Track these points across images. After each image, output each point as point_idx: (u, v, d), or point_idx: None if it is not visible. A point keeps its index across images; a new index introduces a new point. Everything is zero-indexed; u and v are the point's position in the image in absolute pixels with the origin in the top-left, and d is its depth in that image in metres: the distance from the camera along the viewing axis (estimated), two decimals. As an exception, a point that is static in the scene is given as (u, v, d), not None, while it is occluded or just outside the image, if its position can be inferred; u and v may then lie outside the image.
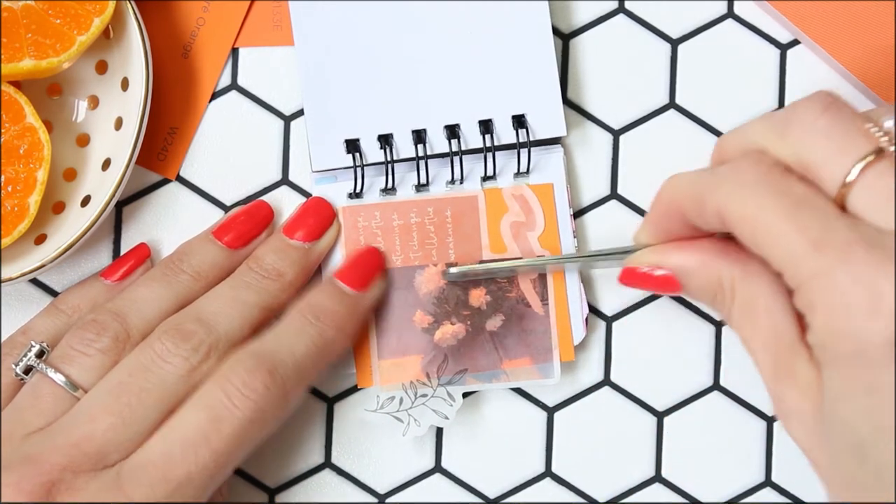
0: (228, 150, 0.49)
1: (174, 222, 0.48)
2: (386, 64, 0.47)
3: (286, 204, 0.48)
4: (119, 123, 0.47)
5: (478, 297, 0.47)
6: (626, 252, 0.43)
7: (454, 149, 0.47)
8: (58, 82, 0.48)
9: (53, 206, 0.47)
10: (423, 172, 0.47)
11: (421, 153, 0.47)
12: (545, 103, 0.47)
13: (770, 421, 0.50)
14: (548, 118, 0.47)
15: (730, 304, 0.40)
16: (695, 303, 0.49)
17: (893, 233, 0.34)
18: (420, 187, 0.47)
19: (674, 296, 0.49)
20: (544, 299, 0.47)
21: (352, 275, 0.46)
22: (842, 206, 0.35)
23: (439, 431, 0.49)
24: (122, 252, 0.48)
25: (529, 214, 0.48)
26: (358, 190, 0.47)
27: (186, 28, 0.48)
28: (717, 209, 0.37)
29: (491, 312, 0.47)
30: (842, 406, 0.34)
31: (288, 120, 0.49)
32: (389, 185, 0.47)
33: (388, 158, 0.47)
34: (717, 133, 0.50)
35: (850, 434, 0.34)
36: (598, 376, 0.49)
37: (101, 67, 0.48)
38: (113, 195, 0.44)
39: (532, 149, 0.47)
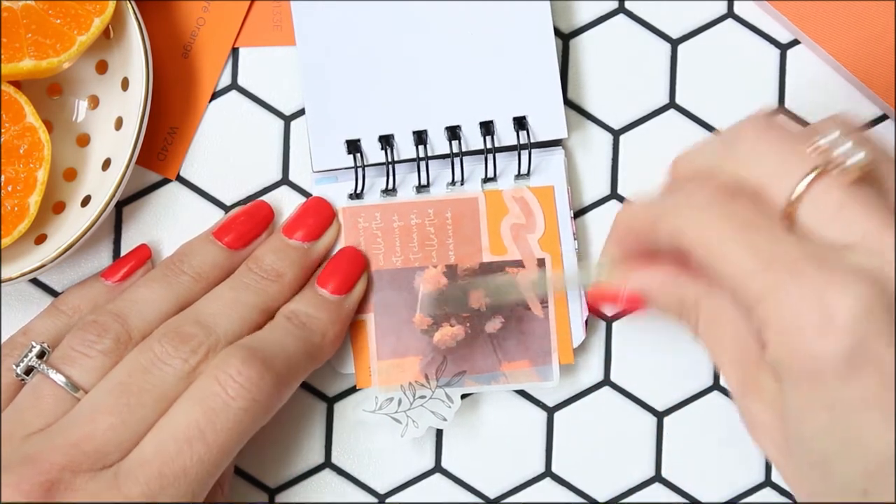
0: (228, 150, 0.49)
1: (174, 222, 0.48)
2: (387, 64, 0.47)
3: (286, 204, 0.48)
4: (119, 123, 0.47)
5: (477, 298, 0.47)
6: (591, 275, 0.43)
7: (455, 150, 0.47)
8: (58, 82, 0.48)
9: (53, 206, 0.47)
10: (423, 173, 0.47)
11: (422, 154, 0.47)
12: (546, 105, 0.47)
13: (769, 421, 0.50)
14: (549, 120, 0.47)
15: (695, 320, 0.40)
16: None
17: (843, 247, 0.34)
18: (421, 188, 0.47)
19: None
20: (544, 302, 0.47)
21: (333, 280, 0.46)
22: (791, 224, 0.35)
23: (439, 431, 0.49)
24: (123, 252, 0.48)
25: (530, 216, 0.48)
26: (358, 190, 0.47)
27: (186, 28, 0.48)
28: (670, 235, 0.37)
29: (490, 314, 0.47)
30: (803, 423, 0.34)
31: (288, 120, 0.49)
32: (390, 185, 0.47)
33: (389, 159, 0.47)
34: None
35: (813, 450, 0.34)
36: (599, 376, 0.49)
37: (102, 67, 0.48)
38: (113, 195, 0.44)
39: (533, 151, 0.47)
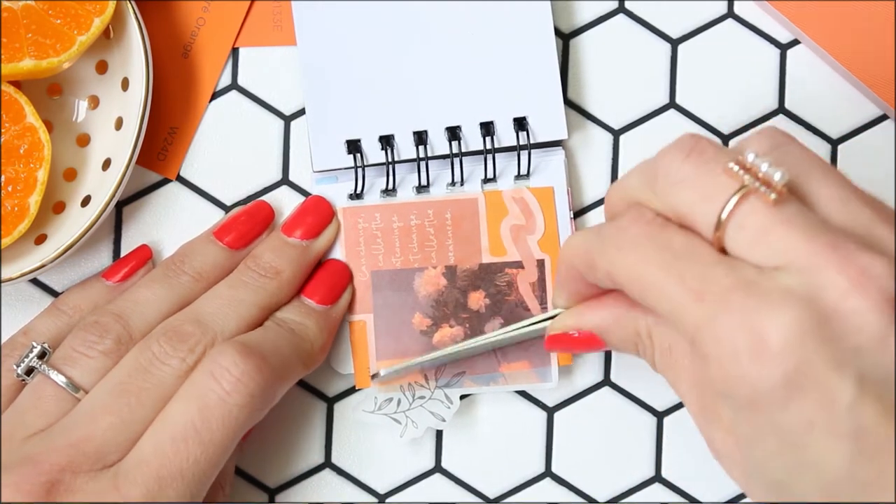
0: (228, 150, 0.49)
1: (174, 222, 0.48)
2: (387, 65, 0.47)
3: (286, 204, 0.48)
4: (119, 123, 0.47)
5: (477, 300, 0.47)
6: (547, 319, 0.43)
7: (455, 150, 0.47)
8: (58, 82, 0.48)
9: (54, 206, 0.47)
10: (423, 174, 0.47)
11: (422, 154, 0.47)
12: (547, 106, 0.47)
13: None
14: (549, 121, 0.47)
15: (651, 352, 0.39)
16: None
17: (773, 268, 0.33)
18: (420, 189, 0.47)
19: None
20: (543, 303, 0.47)
21: (319, 291, 0.46)
22: (722, 250, 0.35)
23: (439, 431, 0.49)
24: (123, 252, 0.48)
25: (529, 217, 0.48)
26: (358, 190, 0.47)
27: (186, 28, 0.48)
28: (605, 271, 0.37)
29: (490, 315, 0.47)
30: (755, 448, 0.34)
31: (288, 120, 0.49)
32: (390, 186, 0.47)
33: (389, 159, 0.47)
34: (718, 133, 0.50)
35: (769, 473, 0.34)
36: (598, 376, 0.49)
37: (102, 67, 0.48)
38: (113, 195, 0.44)
39: (533, 151, 0.47)
